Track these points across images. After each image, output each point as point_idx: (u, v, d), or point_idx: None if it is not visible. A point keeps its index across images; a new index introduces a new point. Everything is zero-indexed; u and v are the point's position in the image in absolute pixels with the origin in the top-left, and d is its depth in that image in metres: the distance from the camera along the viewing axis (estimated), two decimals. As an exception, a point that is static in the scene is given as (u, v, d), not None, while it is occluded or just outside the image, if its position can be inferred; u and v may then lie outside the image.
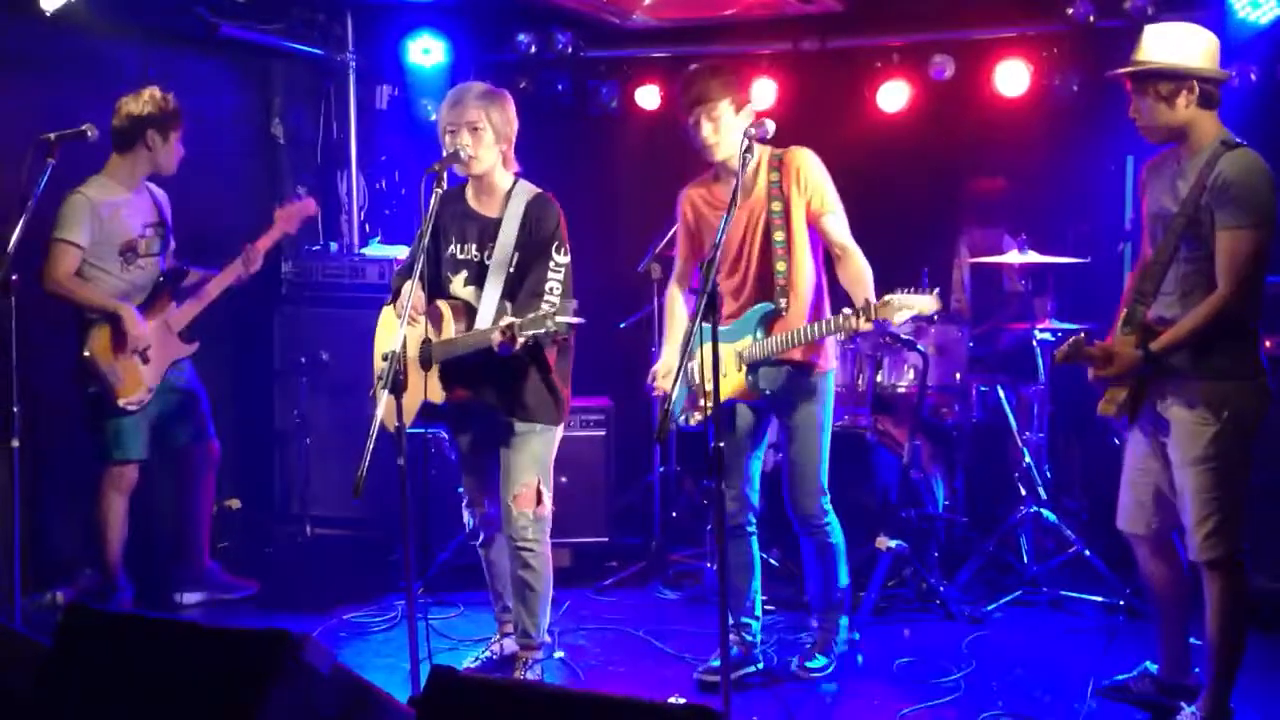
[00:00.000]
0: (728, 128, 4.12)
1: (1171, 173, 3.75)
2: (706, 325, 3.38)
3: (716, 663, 4.12)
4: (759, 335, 4.18)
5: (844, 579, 4.46)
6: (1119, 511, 4.04)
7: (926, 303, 3.77)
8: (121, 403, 4.89)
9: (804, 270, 4.20)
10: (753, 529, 4.47)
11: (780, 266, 4.18)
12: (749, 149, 3.83)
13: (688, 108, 4.16)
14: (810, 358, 4.23)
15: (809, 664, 4.46)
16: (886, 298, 3.80)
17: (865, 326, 3.89)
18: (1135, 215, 4.79)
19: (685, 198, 4.40)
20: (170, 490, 5.31)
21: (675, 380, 3.62)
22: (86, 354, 4.83)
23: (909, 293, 3.78)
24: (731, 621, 4.37)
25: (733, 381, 4.22)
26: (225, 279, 5.21)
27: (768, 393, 4.26)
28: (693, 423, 4.37)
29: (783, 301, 4.19)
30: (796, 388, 4.27)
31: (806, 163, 4.18)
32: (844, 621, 4.53)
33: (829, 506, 4.35)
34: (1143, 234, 3.93)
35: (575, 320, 3.86)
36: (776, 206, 4.17)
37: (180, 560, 5.36)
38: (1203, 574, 3.76)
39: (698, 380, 4.21)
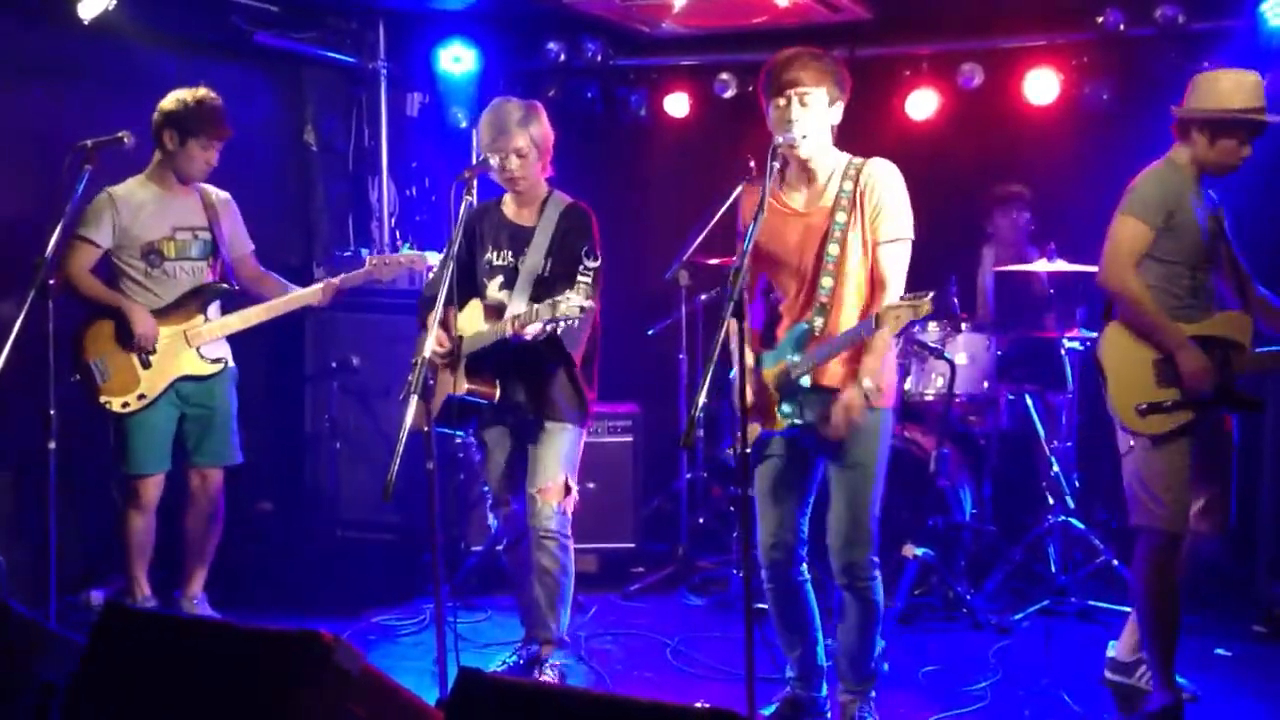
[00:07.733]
0: (818, 118, 3.69)
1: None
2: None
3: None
4: (794, 358, 3.72)
5: (879, 644, 4.01)
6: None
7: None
8: (103, 399, 4.70)
9: (855, 291, 3.74)
10: (802, 578, 3.97)
11: (826, 283, 3.71)
12: (774, 155, 3.54)
13: (778, 89, 3.68)
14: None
15: None
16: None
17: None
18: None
19: (741, 196, 3.88)
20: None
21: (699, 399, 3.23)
22: (77, 340, 4.69)
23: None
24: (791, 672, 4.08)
25: (770, 411, 3.79)
26: (280, 306, 4.93)
27: (801, 424, 3.76)
28: (731, 453, 3.99)
29: (819, 321, 3.72)
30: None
31: (884, 179, 3.71)
32: (873, 694, 4.03)
33: (876, 560, 3.84)
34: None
35: (587, 304, 3.83)
36: (841, 218, 3.70)
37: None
38: None
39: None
